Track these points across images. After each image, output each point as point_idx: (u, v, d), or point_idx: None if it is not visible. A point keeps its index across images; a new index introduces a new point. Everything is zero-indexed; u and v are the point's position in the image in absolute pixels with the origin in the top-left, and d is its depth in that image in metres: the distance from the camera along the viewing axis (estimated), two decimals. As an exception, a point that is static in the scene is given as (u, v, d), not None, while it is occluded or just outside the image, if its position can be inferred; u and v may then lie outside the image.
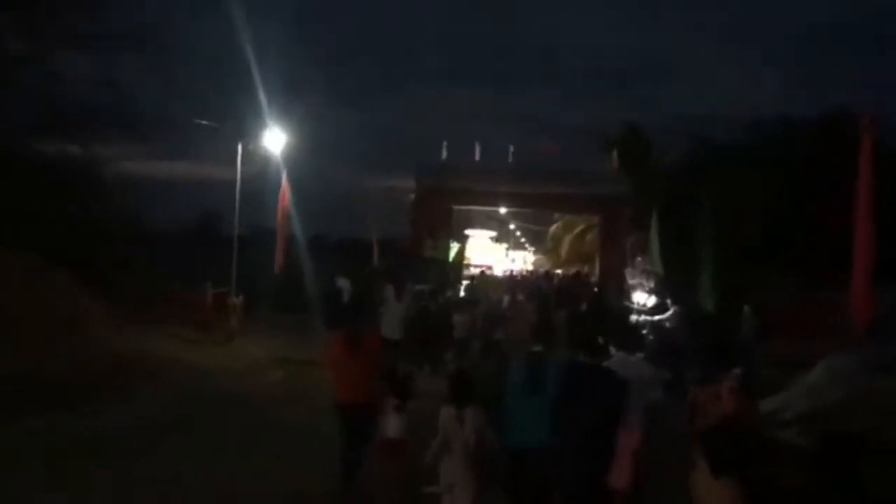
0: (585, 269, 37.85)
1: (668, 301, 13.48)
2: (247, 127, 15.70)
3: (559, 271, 36.80)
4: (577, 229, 39.18)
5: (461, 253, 28.37)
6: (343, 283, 16.12)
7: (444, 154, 30.13)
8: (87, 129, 18.54)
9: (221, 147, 16.74)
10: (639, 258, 15.23)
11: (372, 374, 6.63)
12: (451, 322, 13.08)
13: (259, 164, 15.89)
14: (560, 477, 5.28)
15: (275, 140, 15.43)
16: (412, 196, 28.63)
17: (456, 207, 30.64)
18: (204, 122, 15.77)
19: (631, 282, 15.19)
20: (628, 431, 5.13)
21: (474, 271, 29.99)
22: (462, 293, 18.66)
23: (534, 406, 5.49)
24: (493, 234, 41.94)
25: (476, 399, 5.56)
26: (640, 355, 7.12)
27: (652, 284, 14.26)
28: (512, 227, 51.42)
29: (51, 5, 17.90)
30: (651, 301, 14.17)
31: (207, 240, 21.09)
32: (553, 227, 43.36)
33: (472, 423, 5.42)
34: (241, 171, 16.74)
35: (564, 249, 41.55)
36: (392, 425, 6.08)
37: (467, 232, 38.55)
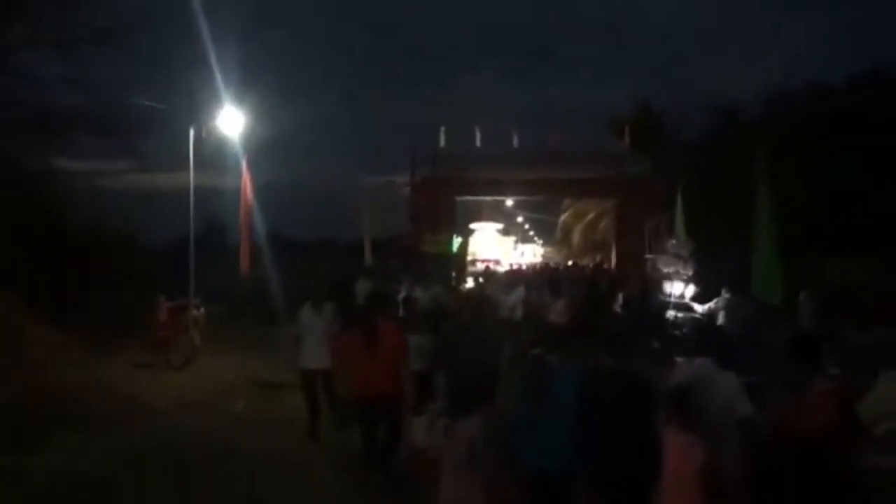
0: (598, 258, 35.66)
1: (724, 290, 11.01)
2: (204, 111, 13.26)
3: (571, 262, 34.49)
4: (589, 216, 36.82)
5: (464, 247, 25.93)
6: (363, 286, 14.13)
7: (442, 141, 27.72)
8: (52, 134, 16.63)
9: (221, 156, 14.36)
10: (672, 241, 12.81)
11: (389, 368, 6.50)
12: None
13: (217, 152, 13.43)
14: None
15: (233, 124, 12.98)
16: (408, 189, 26.27)
17: (458, 199, 28.30)
18: (149, 104, 13.37)
19: (665, 270, 12.73)
20: (687, 448, 4.19)
21: (480, 267, 27.48)
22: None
23: (548, 420, 4.80)
24: (500, 226, 39.47)
25: (475, 409, 4.92)
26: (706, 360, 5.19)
27: (690, 272, 11.84)
28: (520, 219, 49.12)
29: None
30: (689, 291, 11.77)
31: (209, 251, 19.06)
32: (563, 217, 40.96)
33: (464, 436, 4.82)
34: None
35: (576, 239, 39.17)
36: (417, 432, 5.90)
37: (472, 226, 36.21)
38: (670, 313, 11.19)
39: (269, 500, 6.77)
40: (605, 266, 27.03)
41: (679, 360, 8.80)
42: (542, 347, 5.33)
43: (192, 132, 12.75)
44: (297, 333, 8.29)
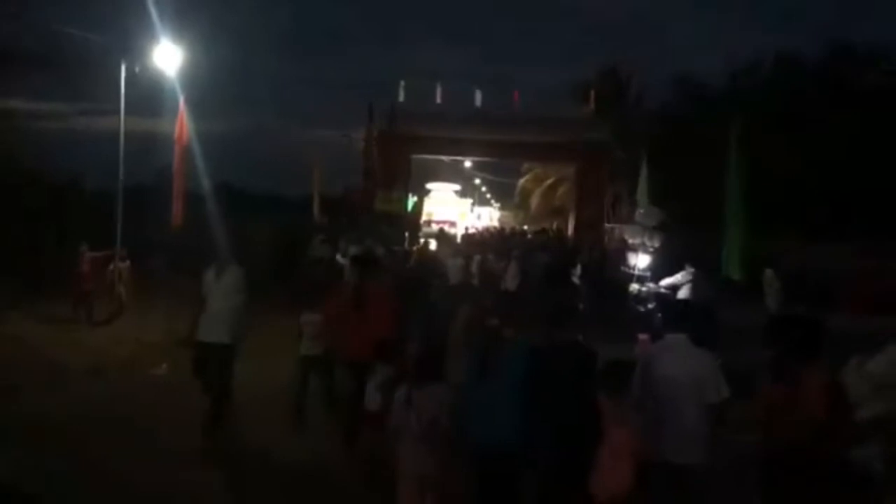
0: (555, 225, 35.16)
1: (688, 265, 10.39)
2: (141, 48, 11.96)
3: (526, 227, 33.93)
4: (548, 181, 36.18)
5: (419, 207, 25.07)
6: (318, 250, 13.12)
7: (402, 97, 26.57)
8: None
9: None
10: (640, 210, 12.10)
11: (381, 331, 6.16)
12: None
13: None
14: (530, 482, 4.61)
15: (169, 60, 11.70)
16: (363, 143, 25.19)
17: (414, 157, 27.29)
18: (82, 35, 12.04)
19: (630, 240, 12.06)
20: (620, 427, 4.27)
21: (434, 228, 26.69)
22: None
23: (497, 395, 4.59)
24: (458, 187, 38.59)
25: (435, 378, 4.76)
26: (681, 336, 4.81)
27: (657, 244, 11.19)
28: (477, 181, 48.27)
29: None
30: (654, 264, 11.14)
31: (157, 200, 18.07)
32: (521, 181, 40.25)
33: (423, 406, 4.60)
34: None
35: (534, 204, 38.56)
36: (372, 396, 5.68)
37: (429, 185, 35.27)
38: (633, 286, 10.55)
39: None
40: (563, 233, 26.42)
41: (642, 336, 8.19)
42: (497, 318, 5.03)
43: (123, 67, 11.49)
44: (204, 297, 6.96)
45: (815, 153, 20.16)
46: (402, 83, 26.76)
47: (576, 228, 26.27)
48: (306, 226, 17.25)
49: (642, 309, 9.67)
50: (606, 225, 25.38)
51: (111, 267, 12.29)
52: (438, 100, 26.64)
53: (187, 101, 11.68)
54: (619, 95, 33.62)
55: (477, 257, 13.88)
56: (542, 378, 4.51)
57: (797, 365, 4.25)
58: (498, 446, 4.52)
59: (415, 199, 25.35)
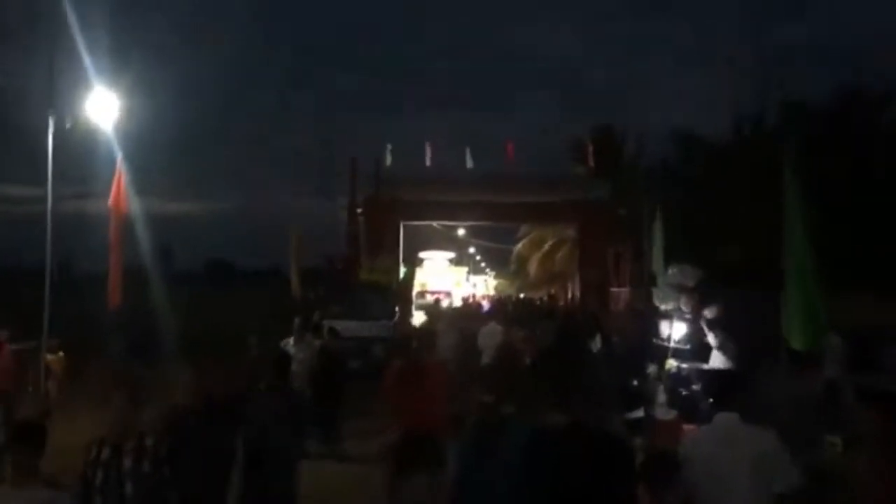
0: (552, 291, 33.43)
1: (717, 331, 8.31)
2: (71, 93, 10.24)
3: (522, 295, 32.21)
4: (546, 245, 34.52)
5: (410, 277, 23.23)
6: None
7: (389, 160, 25.12)
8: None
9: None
10: (671, 270, 10.22)
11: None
12: None
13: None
14: None
15: (104, 112, 9.95)
16: (346, 211, 23.56)
17: (406, 224, 25.66)
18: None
19: (662, 307, 10.19)
20: None
21: (429, 299, 24.85)
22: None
23: (494, 482, 4.05)
24: (452, 255, 36.88)
25: (424, 466, 4.05)
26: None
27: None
28: (472, 250, 46.70)
29: None
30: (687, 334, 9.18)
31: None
32: (518, 246, 38.59)
33: (409, 497, 4.02)
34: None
35: (533, 270, 36.76)
36: None
37: (422, 254, 33.58)
38: (671, 363, 8.66)
39: None
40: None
41: (687, 426, 6.44)
42: (496, 395, 4.37)
43: (51, 121, 9.73)
44: None
45: (838, 200, 18.64)
46: (389, 146, 25.40)
47: (582, 291, 24.47)
48: (285, 301, 15.29)
49: (684, 392, 7.77)
50: (612, 289, 23.61)
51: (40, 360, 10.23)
52: (427, 162, 25.24)
53: (126, 160, 9.82)
54: (616, 153, 32.41)
55: (484, 329, 11.91)
56: (543, 465, 3.97)
57: None
58: None
59: (406, 268, 23.53)
